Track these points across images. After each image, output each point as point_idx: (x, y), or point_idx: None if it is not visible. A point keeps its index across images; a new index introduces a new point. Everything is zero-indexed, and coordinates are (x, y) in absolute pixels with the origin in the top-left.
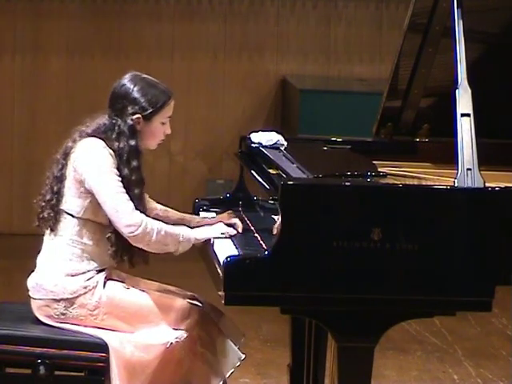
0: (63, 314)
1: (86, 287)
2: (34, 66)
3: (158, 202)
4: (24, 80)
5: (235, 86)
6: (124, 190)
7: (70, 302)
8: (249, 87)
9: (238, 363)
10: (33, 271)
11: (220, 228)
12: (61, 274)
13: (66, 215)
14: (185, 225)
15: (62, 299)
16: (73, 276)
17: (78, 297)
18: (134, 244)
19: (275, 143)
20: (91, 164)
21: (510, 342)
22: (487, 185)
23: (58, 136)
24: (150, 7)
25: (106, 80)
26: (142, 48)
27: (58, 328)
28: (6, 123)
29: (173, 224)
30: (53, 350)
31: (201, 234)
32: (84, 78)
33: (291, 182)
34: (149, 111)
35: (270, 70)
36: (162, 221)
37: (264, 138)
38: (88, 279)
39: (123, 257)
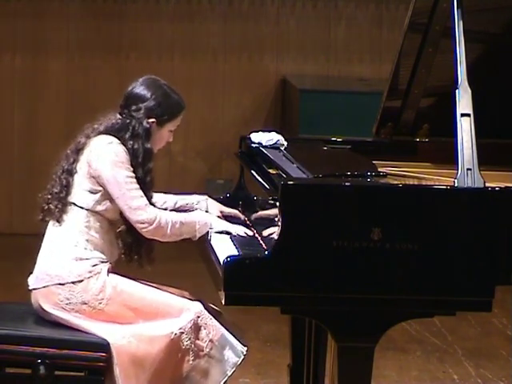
0: (68, 299)
1: (91, 271)
2: (34, 66)
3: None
4: (24, 80)
5: (235, 86)
6: (138, 186)
7: (76, 285)
8: (249, 87)
9: (242, 357)
10: (31, 273)
11: (239, 228)
12: (67, 258)
13: (74, 207)
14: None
15: (67, 282)
16: (78, 260)
17: (82, 280)
18: (149, 237)
19: (275, 143)
20: (106, 159)
21: (510, 341)
22: (487, 185)
23: (58, 136)
24: (150, 7)
25: (105, 80)
26: (142, 48)
27: (58, 328)
28: (6, 123)
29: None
30: (53, 350)
31: (219, 224)
32: (84, 78)
33: (291, 182)
34: (164, 117)
35: (269, 70)
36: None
37: (264, 138)
38: (93, 265)
39: (133, 256)
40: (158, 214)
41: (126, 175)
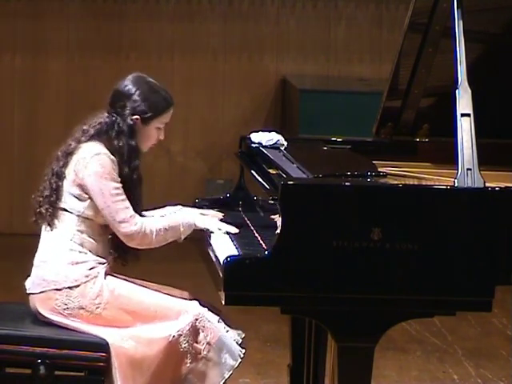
0: (65, 305)
1: (87, 276)
2: (34, 66)
3: (154, 209)
4: (24, 80)
5: (235, 86)
6: (123, 197)
7: (72, 290)
8: (249, 87)
9: (239, 360)
10: (29, 276)
11: (220, 224)
12: (62, 263)
13: (65, 213)
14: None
15: (64, 288)
16: (74, 265)
17: (79, 285)
18: (134, 247)
19: (275, 143)
20: (92, 171)
21: (510, 341)
22: (487, 185)
23: (58, 136)
24: (150, 7)
25: (105, 80)
26: (142, 48)
27: (58, 328)
28: (6, 123)
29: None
30: (53, 350)
31: (201, 222)
32: (84, 78)
33: (291, 182)
34: (148, 115)
35: (269, 70)
36: None
37: (264, 137)
38: (90, 269)
39: (119, 253)
40: (143, 224)
41: (111, 187)
